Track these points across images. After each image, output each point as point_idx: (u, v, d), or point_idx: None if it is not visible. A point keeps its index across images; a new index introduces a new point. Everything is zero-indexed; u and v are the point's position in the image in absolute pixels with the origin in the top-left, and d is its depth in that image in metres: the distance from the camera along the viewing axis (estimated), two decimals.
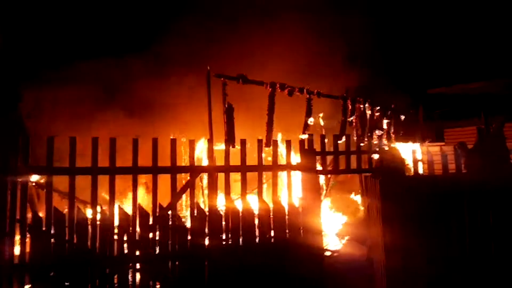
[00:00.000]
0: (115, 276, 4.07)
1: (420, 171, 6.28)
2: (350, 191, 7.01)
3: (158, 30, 8.00)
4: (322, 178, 6.08)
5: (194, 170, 4.52)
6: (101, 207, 4.07)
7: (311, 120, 7.41)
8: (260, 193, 4.78)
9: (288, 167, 4.97)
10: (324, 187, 6.88)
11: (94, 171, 4.08)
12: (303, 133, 7.04)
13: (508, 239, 4.67)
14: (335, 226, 6.30)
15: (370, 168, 5.53)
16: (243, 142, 4.76)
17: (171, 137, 4.43)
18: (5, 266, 3.78)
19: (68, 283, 3.89)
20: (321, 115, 8.91)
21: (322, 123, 9.23)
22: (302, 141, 5.21)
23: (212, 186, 4.58)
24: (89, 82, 7.19)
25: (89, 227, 3.97)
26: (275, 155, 4.98)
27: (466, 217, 4.72)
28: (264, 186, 5.25)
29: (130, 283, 4.09)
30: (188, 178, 4.53)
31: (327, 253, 5.77)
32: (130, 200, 4.27)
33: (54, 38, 7.57)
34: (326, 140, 5.42)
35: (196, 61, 7.72)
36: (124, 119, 6.67)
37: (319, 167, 5.23)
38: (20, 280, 3.84)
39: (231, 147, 5.19)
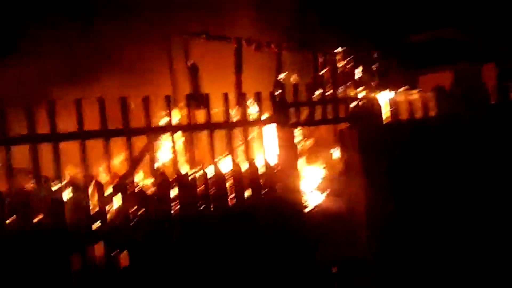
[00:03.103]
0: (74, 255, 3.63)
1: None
2: (327, 145, 6.76)
3: None
4: (298, 134, 5.83)
5: (151, 131, 4.02)
6: (47, 179, 3.56)
7: (282, 76, 7.03)
8: (231, 154, 4.38)
9: (259, 122, 4.56)
10: (301, 142, 6.67)
11: (34, 138, 3.51)
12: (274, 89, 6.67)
13: None
14: (314, 181, 6.09)
15: (347, 117, 5.19)
16: (206, 97, 4.28)
17: (120, 96, 3.88)
18: None
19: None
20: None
21: (295, 80, 8.85)
22: (273, 94, 4.80)
23: (174, 149, 4.12)
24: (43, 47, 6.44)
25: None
26: (244, 109, 4.54)
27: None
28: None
29: (93, 258, 3.66)
30: None
31: (308, 209, 5.59)
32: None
33: None
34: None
35: (155, 19, 7.11)
36: (73, 83, 6.01)
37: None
38: None
39: (198, 107, 4.73)
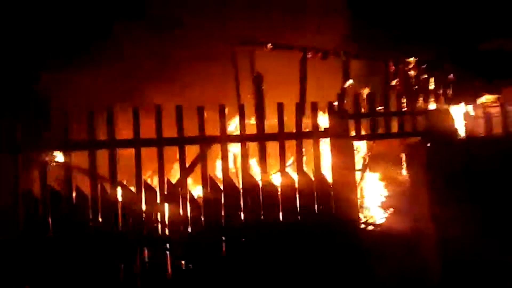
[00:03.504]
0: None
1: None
2: (390, 160, 6.35)
3: None
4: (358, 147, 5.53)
5: (204, 140, 4.02)
6: (103, 183, 3.71)
7: (349, 83, 6.78)
8: (283, 165, 4.23)
9: (315, 134, 4.35)
10: (363, 156, 6.32)
11: (93, 144, 3.68)
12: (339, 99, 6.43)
13: None
14: (374, 198, 5.74)
15: (414, 132, 4.78)
16: (260, 106, 4.21)
17: (176, 105, 3.94)
18: None
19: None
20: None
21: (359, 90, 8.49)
22: (331, 104, 4.58)
23: (226, 159, 4.08)
24: (108, 57, 6.84)
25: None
26: (299, 120, 4.37)
27: None
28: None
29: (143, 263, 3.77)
30: None
31: (370, 227, 5.27)
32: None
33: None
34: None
35: (218, 28, 7.24)
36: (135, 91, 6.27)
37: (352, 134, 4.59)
38: None
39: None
